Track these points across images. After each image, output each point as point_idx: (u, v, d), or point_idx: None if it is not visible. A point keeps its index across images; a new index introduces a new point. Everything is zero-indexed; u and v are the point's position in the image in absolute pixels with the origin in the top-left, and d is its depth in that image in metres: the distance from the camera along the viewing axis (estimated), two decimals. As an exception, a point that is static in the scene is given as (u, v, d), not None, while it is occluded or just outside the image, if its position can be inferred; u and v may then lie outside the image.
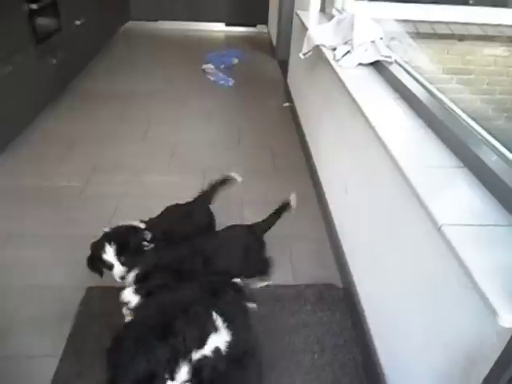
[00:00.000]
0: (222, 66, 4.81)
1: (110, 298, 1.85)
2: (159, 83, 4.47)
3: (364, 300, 1.95)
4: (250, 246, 2.01)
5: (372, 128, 1.64)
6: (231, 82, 4.49)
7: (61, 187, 2.79)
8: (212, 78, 4.58)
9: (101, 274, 1.77)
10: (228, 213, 2.64)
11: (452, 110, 1.64)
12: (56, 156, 3.12)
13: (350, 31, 2.27)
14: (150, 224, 1.90)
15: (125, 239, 1.73)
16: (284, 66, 4.43)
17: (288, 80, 4.31)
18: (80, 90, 4.17)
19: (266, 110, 4.05)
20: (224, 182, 2.25)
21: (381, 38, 2.24)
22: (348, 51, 2.24)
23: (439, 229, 1.10)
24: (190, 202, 2.19)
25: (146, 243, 1.79)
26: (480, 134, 1.45)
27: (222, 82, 4.50)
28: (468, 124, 1.51)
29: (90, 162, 3.06)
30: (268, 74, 4.92)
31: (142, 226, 1.86)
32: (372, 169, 1.87)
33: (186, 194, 2.55)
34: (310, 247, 2.45)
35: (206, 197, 2.21)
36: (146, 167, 3.07)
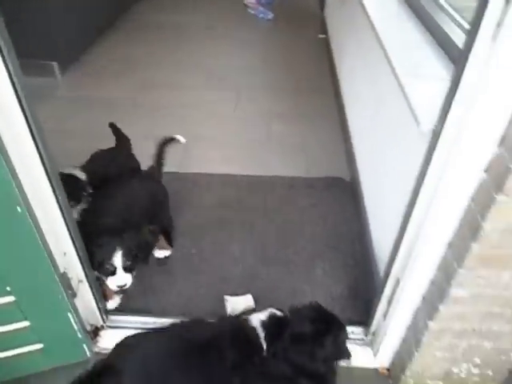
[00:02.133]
0: (263, 1, 5.02)
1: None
2: (204, 16, 4.77)
3: (364, 188, 2.30)
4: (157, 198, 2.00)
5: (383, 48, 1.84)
6: (270, 15, 4.73)
7: (117, 98, 3.25)
8: (252, 12, 4.83)
9: None
10: (256, 124, 3.05)
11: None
12: (113, 72, 3.57)
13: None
14: (87, 170, 1.98)
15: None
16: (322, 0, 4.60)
17: (325, 14, 4.49)
18: (136, 19, 4.57)
19: (302, 40, 4.29)
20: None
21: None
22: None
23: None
24: (113, 148, 2.21)
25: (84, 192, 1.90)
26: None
27: (261, 15, 4.75)
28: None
29: (143, 79, 3.50)
30: (307, 7, 5.08)
31: (82, 174, 1.95)
32: (379, 84, 2.14)
33: (221, 108, 2.97)
34: (325, 148, 2.82)
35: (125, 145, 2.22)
36: (191, 85, 3.47)
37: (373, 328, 1.69)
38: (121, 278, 1.64)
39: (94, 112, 3.07)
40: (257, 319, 1.47)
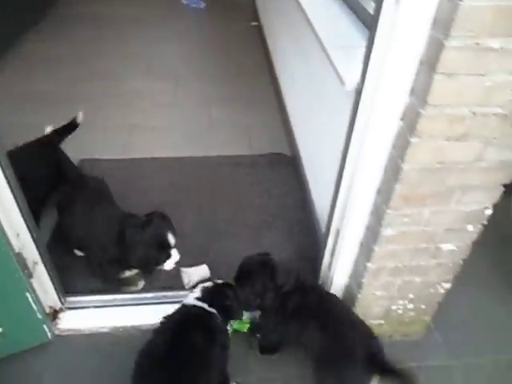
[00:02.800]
0: (195, -9, 5.06)
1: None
2: (137, 7, 4.73)
3: (304, 160, 2.47)
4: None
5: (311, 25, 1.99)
6: (202, 4, 4.79)
7: (51, 91, 3.19)
8: (185, 2, 4.85)
9: None
10: (196, 110, 3.13)
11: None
12: (47, 66, 3.48)
13: None
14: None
15: None
16: (253, -12, 4.72)
17: (256, 2, 4.62)
18: (67, 11, 4.44)
19: (236, 28, 4.40)
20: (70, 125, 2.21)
21: None
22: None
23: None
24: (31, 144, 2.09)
25: None
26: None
27: (193, 5, 4.80)
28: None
29: (78, 71, 3.44)
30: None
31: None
32: (309, 59, 2.30)
33: (160, 97, 3.02)
34: (266, 127, 2.96)
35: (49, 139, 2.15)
36: (127, 75, 3.47)
37: (320, 282, 1.85)
38: (176, 255, 1.71)
39: (28, 106, 2.99)
40: (192, 297, 1.54)
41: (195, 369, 1.37)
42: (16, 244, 1.43)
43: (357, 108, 1.29)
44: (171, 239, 1.69)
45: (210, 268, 2.00)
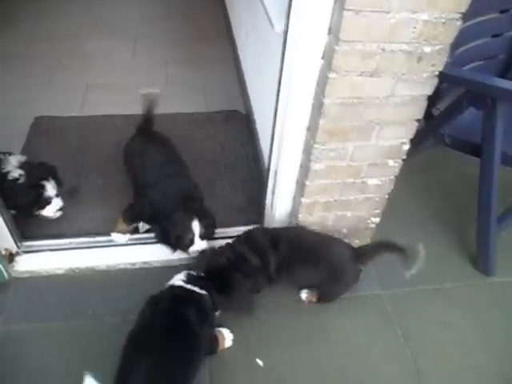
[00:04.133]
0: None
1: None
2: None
3: (256, 117, 2.57)
4: None
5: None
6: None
7: (6, 52, 3.16)
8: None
9: None
10: (154, 70, 3.17)
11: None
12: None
13: None
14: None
15: None
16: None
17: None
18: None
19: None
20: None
21: None
22: None
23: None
24: None
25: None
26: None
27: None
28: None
29: (35, 32, 3.41)
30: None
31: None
32: (257, 14, 2.37)
33: (118, 57, 3.03)
34: (222, 85, 3.04)
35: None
36: (85, 35, 3.45)
37: (265, 223, 1.98)
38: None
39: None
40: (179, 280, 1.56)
41: (190, 348, 1.40)
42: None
43: (284, 49, 1.39)
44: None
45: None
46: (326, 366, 1.67)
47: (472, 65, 2.10)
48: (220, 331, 1.65)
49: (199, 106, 2.84)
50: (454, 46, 1.73)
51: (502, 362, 1.75)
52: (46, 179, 1.87)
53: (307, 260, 1.64)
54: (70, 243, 1.93)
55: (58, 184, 1.93)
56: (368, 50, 1.24)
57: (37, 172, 1.85)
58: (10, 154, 1.92)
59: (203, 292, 1.51)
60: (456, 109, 1.87)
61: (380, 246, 1.68)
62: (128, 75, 3.08)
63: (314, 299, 1.81)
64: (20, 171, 1.83)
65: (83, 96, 2.85)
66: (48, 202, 1.89)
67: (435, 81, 1.36)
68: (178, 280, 1.54)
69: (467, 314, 1.91)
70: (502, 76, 2.20)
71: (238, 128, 2.68)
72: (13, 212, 1.85)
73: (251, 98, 2.69)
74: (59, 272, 1.87)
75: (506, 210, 2.08)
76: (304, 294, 1.82)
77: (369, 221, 1.80)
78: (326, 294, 1.80)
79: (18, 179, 1.82)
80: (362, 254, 1.69)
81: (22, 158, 1.89)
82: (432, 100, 2.02)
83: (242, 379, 1.61)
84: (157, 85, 2.98)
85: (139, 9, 4.00)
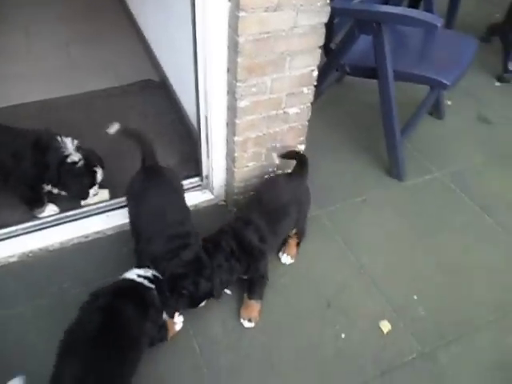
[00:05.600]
0: None
1: None
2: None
3: (172, 79, 2.65)
4: None
5: None
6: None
7: None
8: None
9: None
10: (54, 53, 3.08)
11: None
12: None
13: None
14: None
15: None
16: None
17: None
18: None
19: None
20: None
21: None
22: None
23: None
24: None
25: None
26: None
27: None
28: None
29: None
30: None
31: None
32: None
33: (12, 48, 2.92)
34: (129, 57, 3.07)
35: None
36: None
37: (204, 172, 2.12)
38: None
39: None
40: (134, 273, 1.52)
41: (124, 345, 1.36)
42: None
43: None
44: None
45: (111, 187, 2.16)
46: (285, 281, 1.89)
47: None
48: (169, 319, 1.64)
49: (110, 82, 2.85)
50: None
51: (425, 245, 2.09)
52: (98, 166, 1.97)
53: (284, 214, 1.78)
54: (16, 230, 1.92)
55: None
56: (268, -14, 1.40)
57: (91, 158, 1.95)
58: (61, 136, 1.92)
59: (151, 286, 1.48)
60: (350, 38, 2.12)
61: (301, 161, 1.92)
62: (28, 63, 2.98)
63: (295, 249, 1.96)
64: (79, 155, 1.90)
65: (-14, 90, 2.71)
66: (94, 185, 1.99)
67: (328, 8, 1.57)
68: (133, 274, 1.51)
69: (391, 214, 2.23)
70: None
71: (155, 95, 2.75)
72: (63, 193, 1.97)
73: (162, 64, 2.76)
74: (12, 260, 1.87)
75: (405, 124, 2.42)
76: (285, 256, 1.94)
77: (296, 149, 2.01)
78: (302, 228, 1.95)
79: (76, 163, 1.88)
80: (301, 174, 1.91)
81: (75, 142, 1.93)
82: (328, 36, 2.26)
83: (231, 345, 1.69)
84: (60, 68, 2.93)
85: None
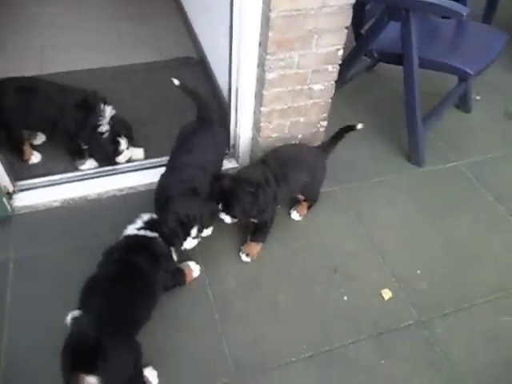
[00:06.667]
0: None
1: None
2: None
3: (209, 58, 2.82)
4: None
5: None
6: None
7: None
8: None
9: None
10: (104, 27, 3.31)
11: None
12: None
13: None
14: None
15: None
16: None
17: None
18: None
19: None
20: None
21: None
22: None
23: None
24: None
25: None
26: None
27: None
28: None
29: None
30: None
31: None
32: None
33: (65, 19, 3.10)
34: (173, 35, 3.26)
35: None
36: (27, 2, 3.50)
37: (232, 141, 2.28)
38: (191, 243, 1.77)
39: None
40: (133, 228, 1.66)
41: (140, 292, 1.51)
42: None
43: (233, -25, 1.66)
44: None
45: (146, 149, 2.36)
46: (298, 246, 2.04)
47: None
48: (187, 264, 1.84)
49: (154, 56, 3.05)
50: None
51: (436, 227, 2.18)
52: (123, 136, 2.17)
53: (296, 167, 1.93)
54: (61, 178, 2.14)
55: (131, 140, 2.23)
56: (300, -33, 1.54)
57: (117, 129, 2.15)
58: (105, 102, 2.14)
59: (154, 235, 1.61)
60: (379, 24, 2.22)
61: (333, 139, 2.07)
62: (79, 35, 3.21)
63: (305, 210, 2.13)
64: (107, 127, 2.11)
65: (40, 57, 2.97)
66: (120, 153, 2.20)
67: (356, -10, 1.69)
68: (132, 229, 1.65)
69: (406, 196, 2.33)
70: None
71: (193, 71, 2.93)
72: (92, 159, 2.23)
73: (202, 42, 2.94)
74: (56, 205, 2.09)
75: (427, 113, 2.50)
76: (294, 213, 2.12)
77: (318, 125, 2.14)
78: (313, 195, 2.11)
79: (103, 134, 2.11)
80: (324, 151, 2.06)
81: (112, 112, 2.14)
82: (360, 22, 2.38)
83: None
84: (108, 41, 3.16)
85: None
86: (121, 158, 2.24)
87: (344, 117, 2.64)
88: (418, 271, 1.99)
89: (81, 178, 2.17)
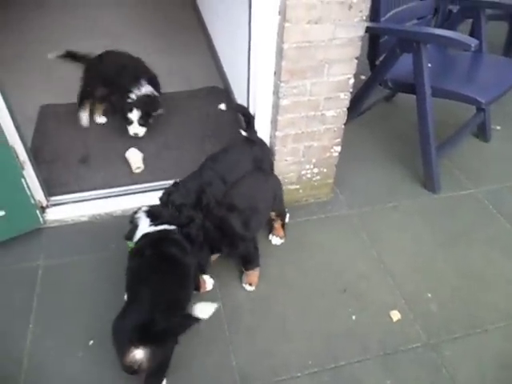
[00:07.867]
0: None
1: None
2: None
3: (233, 88, 3.00)
4: None
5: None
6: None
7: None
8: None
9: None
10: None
11: None
12: None
13: None
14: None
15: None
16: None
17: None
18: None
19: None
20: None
21: None
22: None
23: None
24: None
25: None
26: None
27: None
28: None
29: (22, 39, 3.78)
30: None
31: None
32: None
33: None
34: (201, 67, 3.49)
35: None
36: (71, 38, 3.83)
37: (249, 164, 2.39)
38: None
39: None
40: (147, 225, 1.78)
41: (179, 278, 1.62)
42: (10, 139, 1.88)
43: (250, 13, 1.83)
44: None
45: (165, 168, 2.51)
46: (309, 266, 2.10)
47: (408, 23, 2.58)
48: (202, 277, 1.92)
49: (183, 86, 3.26)
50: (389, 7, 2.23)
51: (448, 252, 2.20)
52: (136, 108, 2.60)
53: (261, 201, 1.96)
54: (90, 195, 2.31)
55: (147, 114, 2.68)
56: (310, 3, 1.68)
57: (138, 102, 2.61)
58: (155, 84, 2.78)
59: (172, 227, 1.75)
60: (392, 56, 2.33)
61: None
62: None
63: (281, 231, 2.17)
64: (134, 99, 2.61)
65: (80, 86, 3.23)
66: (130, 122, 2.65)
67: (364, 24, 1.81)
68: (147, 227, 1.76)
69: (419, 221, 2.37)
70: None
71: (218, 100, 3.11)
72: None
73: (227, 73, 3.13)
74: (83, 219, 2.25)
75: (441, 142, 2.56)
76: (273, 237, 2.18)
77: (332, 149, 2.23)
78: (281, 210, 2.14)
79: (129, 99, 2.62)
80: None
81: (148, 91, 2.68)
82: (375, 53, 2.50)
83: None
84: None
85: (116, 9, 4.41)
86: (130, 129, 2.67)
87: (363, 143, 2.75)
88: (429, 294, 2.00)
89: (108, 195, 2.33)
